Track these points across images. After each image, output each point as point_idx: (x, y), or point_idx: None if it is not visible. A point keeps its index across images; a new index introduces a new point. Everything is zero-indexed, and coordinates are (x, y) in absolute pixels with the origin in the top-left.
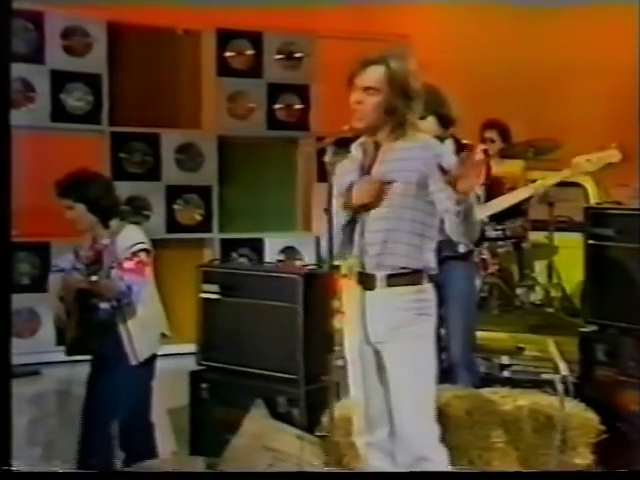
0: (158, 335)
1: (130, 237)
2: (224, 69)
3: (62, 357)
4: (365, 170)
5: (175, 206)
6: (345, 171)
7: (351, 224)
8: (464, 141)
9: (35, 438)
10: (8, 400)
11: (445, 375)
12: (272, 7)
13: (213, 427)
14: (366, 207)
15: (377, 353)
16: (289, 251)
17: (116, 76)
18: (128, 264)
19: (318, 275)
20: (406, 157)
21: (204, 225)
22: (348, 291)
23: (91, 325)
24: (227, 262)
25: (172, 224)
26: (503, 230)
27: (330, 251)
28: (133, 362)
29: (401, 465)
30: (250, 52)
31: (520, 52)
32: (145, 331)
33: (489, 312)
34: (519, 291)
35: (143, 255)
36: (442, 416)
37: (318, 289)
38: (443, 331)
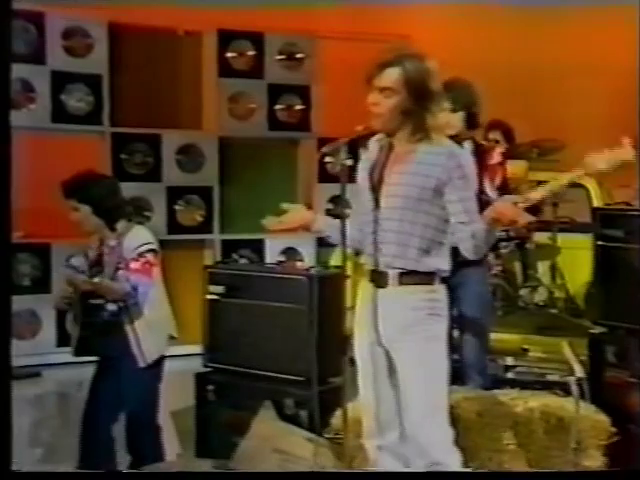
0: (166, 336)
1: (137, 238)
2: (225, 70)
3: (63, 359)
4: (380, 167)
5: (176, 207)
6: (362, 167)
7: (367, 222)
8: (482, 142)
9: (35, 440)
10: (8, 400)
11: (455, 377)
12: (273, 8)
13: (219, 429)
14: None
15: (388, 354)
16: (290, 252)
17: (117, 77)
18: (135, 265)
19: (324, 276)
20: (428, 162)
21: (205, 226)
22: (360, 290)
23: (97, 326)
24: (233, 263)
25: (173, 225)
26: (506, 231)
27: (343, 250)
28: (141, 364)
29: (413, 468)
30: (251, 53)
31: (520, 52)
32: (153, 332)
33: (493, 313)
34: (522, 292)
35: (150, 255)
36: (452, 418)
37: (325, 290)
38: (456, 333)
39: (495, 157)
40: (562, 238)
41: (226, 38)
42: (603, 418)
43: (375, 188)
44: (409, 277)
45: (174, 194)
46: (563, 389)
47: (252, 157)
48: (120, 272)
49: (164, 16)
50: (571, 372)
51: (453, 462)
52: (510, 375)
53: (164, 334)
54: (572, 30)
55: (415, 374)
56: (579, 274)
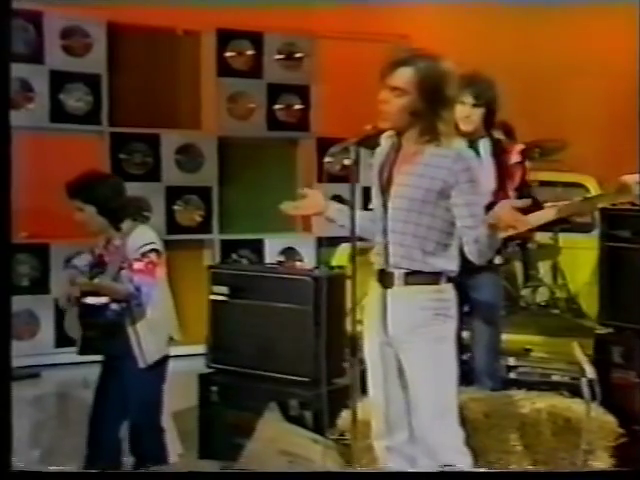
0: (167, 337)
1: (140, 237)
2: (224, 69)
3: (62, 359)
4: (389, 166)
5: (175, 207)
6: (375, 162)
7: (377, 219)
8: (500, 138)
9: (34, 441)
10: (8, 399)
11: (465, 379)
12: (272, 7)
13: (223, 430)
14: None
15: (397, 354)
16: (289, 252)
17: (116, 76)
18: (138, 265)
19: (329, 276)
20: (434, 164)
21: (204, 226)
22: (369, 290)
23: (101, 326)
24: (236, 264)
25: (172, 225)
26: None
27: (353, 249)
28: (142, 365)
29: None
30: (250, 52)
31: (520, 52)
32: (154, 333)
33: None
34: (524, 292)
35: (153, 255)
36: (460, 419)
37: (329, 291)
38: (466, 334)
39: (514, 156)
40: (562, 238)
41: (225, 38)
42: (611, 419)
43: (383, 187)
44: (414, 277)
45: (173, 194)
46: (569, 390)
47: (251, 157)
48: (123, 272)
49: (163, 16)
50: (582, 373)
51: (464, 463)
52: (513, 375)
53: (165, 335)
54: (572, 30)
55: (424, 375)
56: (579, 274)
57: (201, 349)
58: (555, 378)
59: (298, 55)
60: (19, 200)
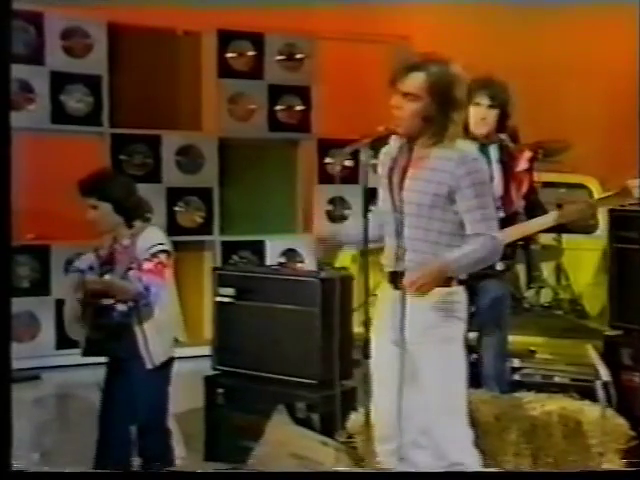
0: (172, 338)
1: (150, 238)
2: (225, 70)
3: (62, 361)
4: (399, 170)
5: (176, 208)
6: (382, 164)
7: (387, 222)
8: (510, 145)
9: (35, 444)
10: (8, 399)
11: (473, 381)
12: (273, 8)
13: (229, 433)
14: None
15: (406, 356)
16: (290, 253)
17: (116, 77)
18: (147, 265)
19: (336, 278)
20: (439, 168)
21: (205, 227)
22: (379, 292)
23: (107, 327)
24: (242, 265)
25: (173, 226)
26: None
27: (364, 249)
28: (149, 366)
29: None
30: (251, 53)
31: (520, 53)
32: (161, 334)
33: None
34: (528, 293)
35: (163, 257)
36: (471, 422)
37: (336, 293)
38: (472, 335)
39: (522, 163)
40: (566, 239)
41: (226, 38)
42: (622, 422)
43: (392, 191)
44: None
45: (174, 195)
46: (578, 392)
47: (252, 158)
48: (131, 272)
49: (163, 16)
50: (596, 375)
51: (473, 463)
52: (517, 377)
53: (171, 336)
54: (571, 31)
55: (434, 375)
56: (581, 275)
57: (202, 351)
58: (557, 379)
59: (299, 56)
60: (19, 202)
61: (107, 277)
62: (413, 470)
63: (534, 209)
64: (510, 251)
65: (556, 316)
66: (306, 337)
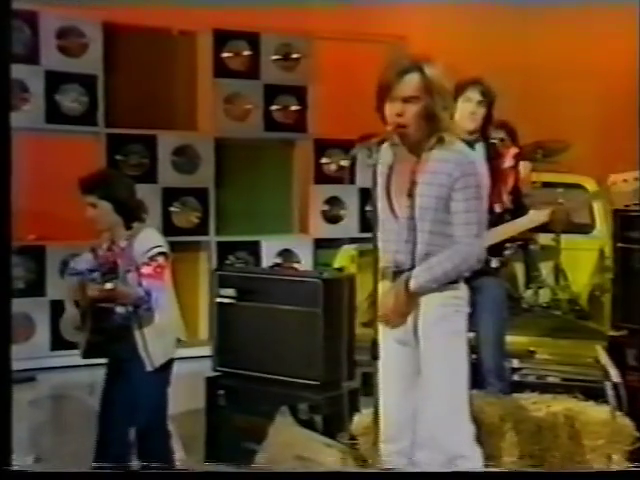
0: (174, 340)
1: (148, 240)
2: (221, 70)
3: (57, 362)
4: (397, 175)
5: (171, 209)
6: (380, 171)
7: (388, 230)
8: (494, 141)
9: (30, 445)
10: (8, 399)
11: (474, 380)
12: (269, 8)
13: (230, 434)
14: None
15: (412, 353)
16: (286, 254)
17: (112, 77)
18: (146, 269)
19: (338, 279)
20: (439, 170)
21: (201, 228)
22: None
23: (107, 329)
24: (243, 266)
25: (168, 227)
26: None
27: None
28: (148, 368)
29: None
30: (247, 53)
31: (517, 53)
32: (161, 336)
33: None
34: (526, 294)
35: (161, 259)
36: (476, 423)
37: (338, 293)
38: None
39: (508, 160)
40: (563, 239)
41: (221, 38)
42: (628, 423)
43: (391, 198)
44: None
45: (170, 196)
46: (582, 392)
47: (248, 158)
48: (130, 275)
49: (159, 16)
50: (605, 376)
51: (475, 455)
52: (517, 378)
53: (172, 337)
54: (568, 31)
55: (441, 368)
56: (579, 275)
57: (197, 351)
58: (557, 380)
59: (295, 56)
60: (14, 202)
61: (109, 285)
62: (417, 470)
63: (518, 205)
64: (504, 248)
65: (555, 316)
66: (308, 338)
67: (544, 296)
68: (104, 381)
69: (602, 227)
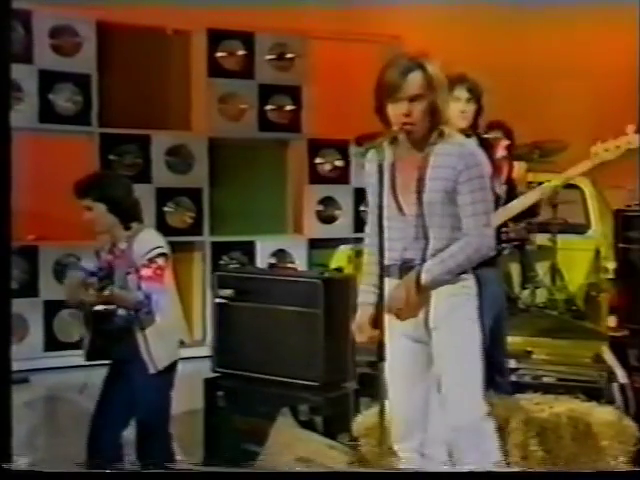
0: (177, 342)
1: (147, 241)
2: (215, 70)
3: (51, 363)
4: (400, 172)
5: (165, 209)
6: (373, 171)
7: (393, 228)
8: (485, 136)
9: (24, 447)
10: (8, 398)
11: None
12: (264, 7)
13: (229, 436)
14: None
15: (421, 349)
16: (280, 254)
17: (105, 76)
18: (146, 272)
19: (339, 279)
20: (443, 164)
21: (195, 228)
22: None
23: (109, 331)
24: (243, 267)
25: (162, 227)
26: (506, 232)
27: (381, 249)
28: (152, 371)
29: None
30: (241, 52)
31: (511, 53)
32: (163, 338)
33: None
34: (523, 294)
35: (161, 260)
36: None
37: (338, 293)
38: None
39: (500, 151)
40: (558, 239)
41: (216, 37)
42: (631, 424)
43: (396, 195)
44: None
45: (163, 196)
46: (586, 393)
47: (242, 158)
48: (130, 277)
49: (153, 15)
50: (611, 377)
51: (489, 428)
52: (514, 378)
53: (175, 340)
54: (562, 31)
55: (457, 354)
56: (575, 275)
57: (192, 352)
58: (555, 380)
59: (289, 55)
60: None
61: (107, 291)
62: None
63: (512, 196)
64: (499, 235)
65: (552, 316)
66: (308, 338)
67: (541, 296)
68: (103, 382)
69: (597, 227)
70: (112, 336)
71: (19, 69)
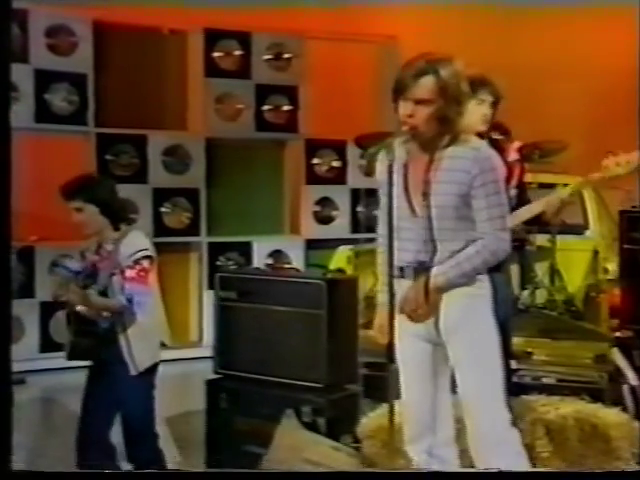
0: (158, 344)
1: (133, 244)
2: (212, 70)
3: (47, 365)
4: (413, 174)
5: (162, 209)
6: (383, 171)
7: (403, 228)
8: (496, 137)
9: (19, 447)
10: (8, 398)
11: None
12: (261, 7)
13: (232, 437)
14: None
15: (432, 350)
16: (277, 255)
17: (102, 76)
18: (130, 273)
19: (342, 280)
20: (456, 168)
21: (191, 228)
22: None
23: (91, 333)
24: (244, 268)
25: (159, 227)
26: None
27: (390, 249)
28: (133, 372)
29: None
30: (238, 52)
31: (507, 53)
32: (146, 340)
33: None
34: (523, 294)
35: (146, 262)
36: None
37: (341, 295)
38: None
39: (512, 154)
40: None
41: (212, 37)
42: (637, 425)
43: (409, 196)
44: None
45: (160, 196)
46: (590, 394)
47: (239, 158)
48: (115, 278)
49: (149, 15)
50: (623, 379)
51: (514, 437)
52: (514, 379)
53: (157, 341)
54: (560, 31)
55: (477, 357)
56: (574, 276)
57: (188, 353)
58: (555, 381)
59: (286, 55)
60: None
61: (90, 290)
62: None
63: (523, 200)
64: None
65: (552, 317)
66: (311, 340)
67: (540, 297)
68: (86, 383)
69: (595, 227)
70: (94, 337)
71: (15, 69)
